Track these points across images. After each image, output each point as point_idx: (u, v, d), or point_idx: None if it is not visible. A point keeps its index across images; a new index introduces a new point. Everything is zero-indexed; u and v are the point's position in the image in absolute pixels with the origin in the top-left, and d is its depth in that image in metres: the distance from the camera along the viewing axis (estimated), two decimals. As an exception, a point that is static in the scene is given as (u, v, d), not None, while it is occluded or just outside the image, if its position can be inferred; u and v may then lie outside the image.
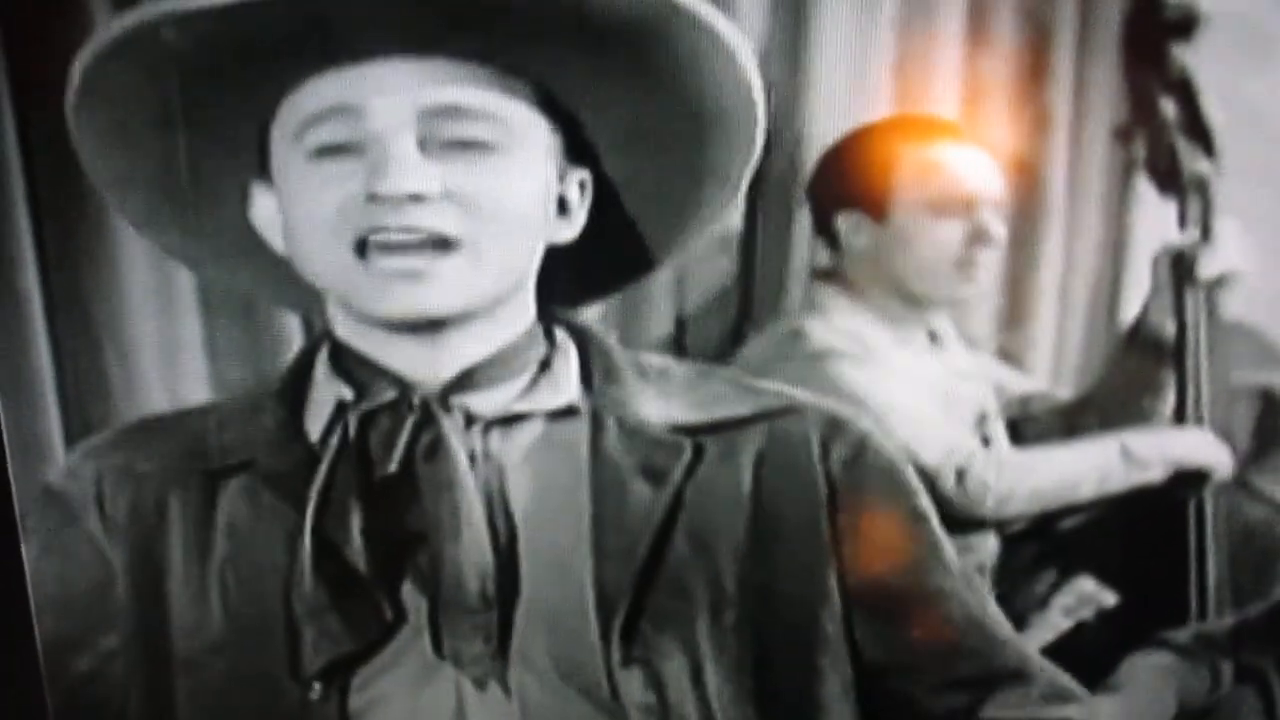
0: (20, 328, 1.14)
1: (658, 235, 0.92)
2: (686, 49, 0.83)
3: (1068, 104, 1.43)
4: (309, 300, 0.91)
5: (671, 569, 0.81)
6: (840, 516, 0.84)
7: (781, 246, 1.34)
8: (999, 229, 1.25)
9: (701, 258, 1.32)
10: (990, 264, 1.26)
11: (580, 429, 0.85)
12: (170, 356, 1.19)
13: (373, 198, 0.80)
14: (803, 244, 1.33)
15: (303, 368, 0.89)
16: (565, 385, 0.86)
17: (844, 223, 1.26)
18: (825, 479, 0.85)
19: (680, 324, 1.32)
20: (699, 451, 0.84)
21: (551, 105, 0.86)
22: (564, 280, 0.90)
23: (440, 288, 0.81)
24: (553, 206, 0.87)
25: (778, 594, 0.83)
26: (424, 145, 0.81)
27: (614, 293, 1.00)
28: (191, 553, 0.84)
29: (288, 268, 0.88)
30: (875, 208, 1.25)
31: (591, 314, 1.28)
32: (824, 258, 1.30)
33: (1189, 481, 1.23)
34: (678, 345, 1.31)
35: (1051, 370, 1.45)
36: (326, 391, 0.86)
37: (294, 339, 1.19)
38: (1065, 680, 0.86)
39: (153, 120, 0.86)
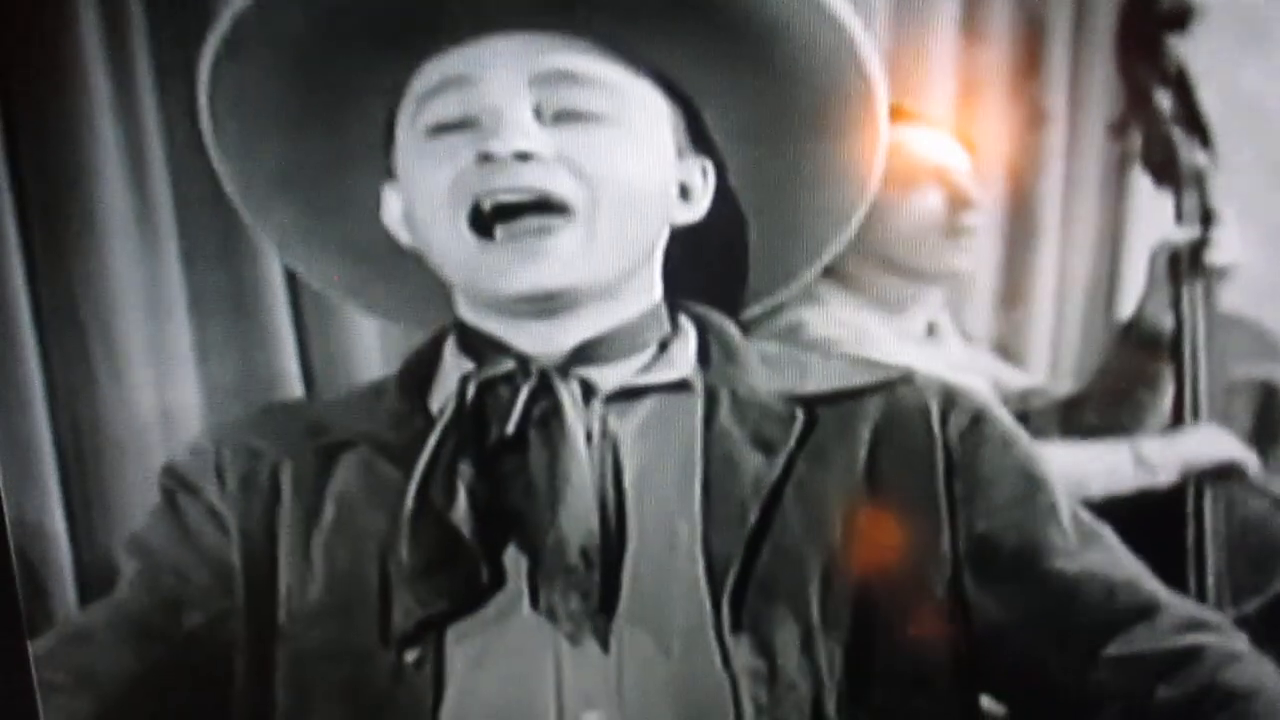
0: (8, 329, 1.14)
1: (783, 244, 0.95)
2: (808, 39, 0.85)
3: (1064, 97, 1.44)
4: (435, 309, 0.93)
5: (782, 537, 0.82)
6: (956, 483, 0.84)
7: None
8: (979, 192, 1.25)
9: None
10: (978, 229, 1.26)
11: (694, 403, 0.85)
12: (159, 358, 1.19)
13: (484, 159, 0.81)
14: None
15: (428, 353, 0.90)
16: (682, 363, 0.87)
17: None
18: (943, 447, 0.85)
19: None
20: (812, 421, 0.85)
21: (671, 87, 0.87)
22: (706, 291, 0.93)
23: (559, 262, 0.82)
24: (674, 187, 0.88)
25: (890, 559, 0.83)
26: (538, 113, 0.82)
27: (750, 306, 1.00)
28: (300, 523, 0.86)
29: (418, 275, 0.90)
30: None
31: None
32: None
33: (1208, 480, 1.23)
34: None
35: (1049, 365, 1.45)
36: (451, 369, 0.88)
37: (285, 338, 1.20)
38: (1195, 610, 0.85)
39: (287, 123, 0.88)
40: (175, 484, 0.90)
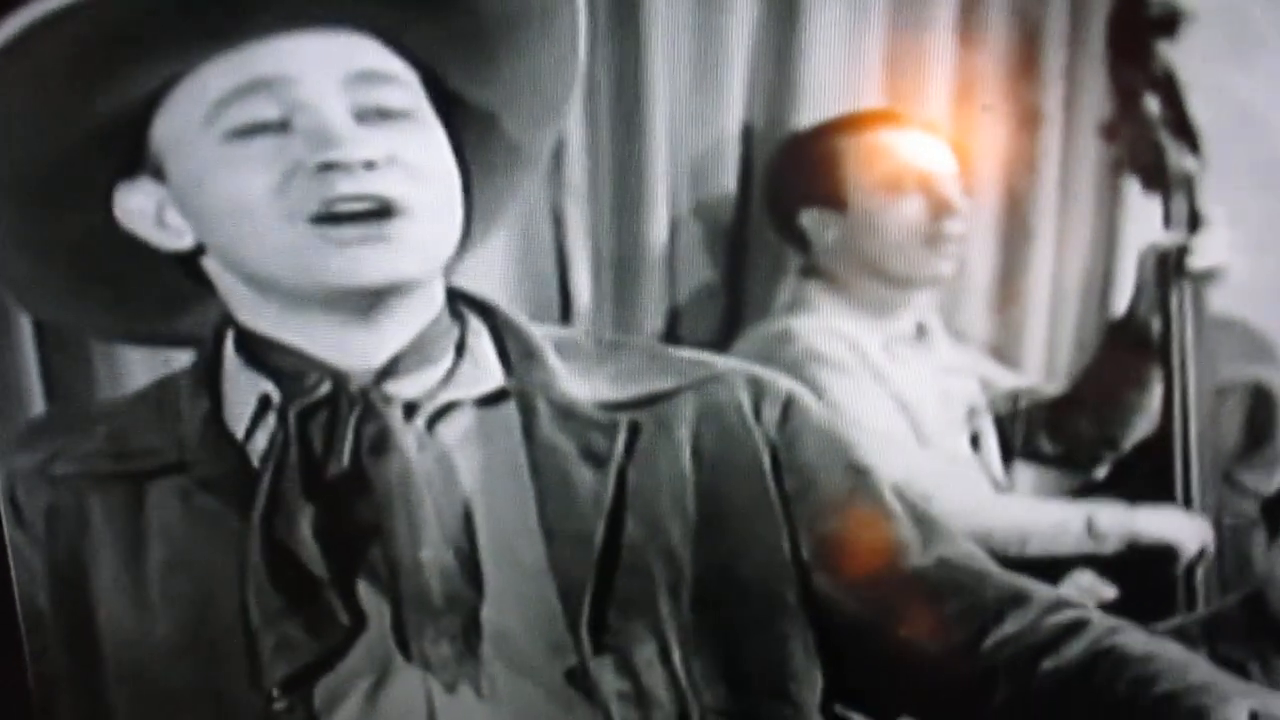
0: (6, 329, 1.15)
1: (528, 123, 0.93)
2: None
3: (1058, 101, 1.46)
4: (157, 310, 0.91)
5: (628, 552, 0.82)
6: (785, 479, 0.85)
7: (772, 241, 1.36)
8: (960, 200, 1.27)
9: (693, 253, 1.35)
10: (960, 236, 1.27)
11: (511, 414, 0.85)
12: (158, 359, 1.20)
13: (327, 167, 0.80)
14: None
15: (212, 359, 0.87)
16: (487, 367, 0.86)
17: (808, 221, 1.29)
18: (765, 442, 0.85)
19: (673, 319, 1.34)
20: (635, 429, 0.84)
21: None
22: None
23: (398, 253, 0.81)
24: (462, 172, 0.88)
25: (733, 564, 0.83)
26: (356, 114, 0.82)
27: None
28: (122, 558, 0.82)
29: (153, 272, 0.87)
30: (833, 199, 1.28)
31: (583, 307, 1.31)
32: (814, 256, 1.32)
33: (1154, 555, 1.25)
34: (670, 339, 1.33)
35: (1043, 366, 1.47)
36: (244, 385, 0.85)
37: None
38: (1063, 594, 0.86)
39: (28, 128, 0.84)
40: None
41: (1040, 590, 0.84)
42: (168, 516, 0.83)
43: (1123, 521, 1.25)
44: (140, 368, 1.18)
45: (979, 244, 1.42)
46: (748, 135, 1.35)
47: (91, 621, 0.82)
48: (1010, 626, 0.82)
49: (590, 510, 0.81)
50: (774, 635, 0.83)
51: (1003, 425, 1.35)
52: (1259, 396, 1.36)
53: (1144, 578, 1.26)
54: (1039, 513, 1.27)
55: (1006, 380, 1.38)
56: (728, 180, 1.35)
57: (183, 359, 1.16)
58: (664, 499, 0.83)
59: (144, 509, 0.83)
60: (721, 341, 1.34)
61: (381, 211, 0.81)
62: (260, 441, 0.82)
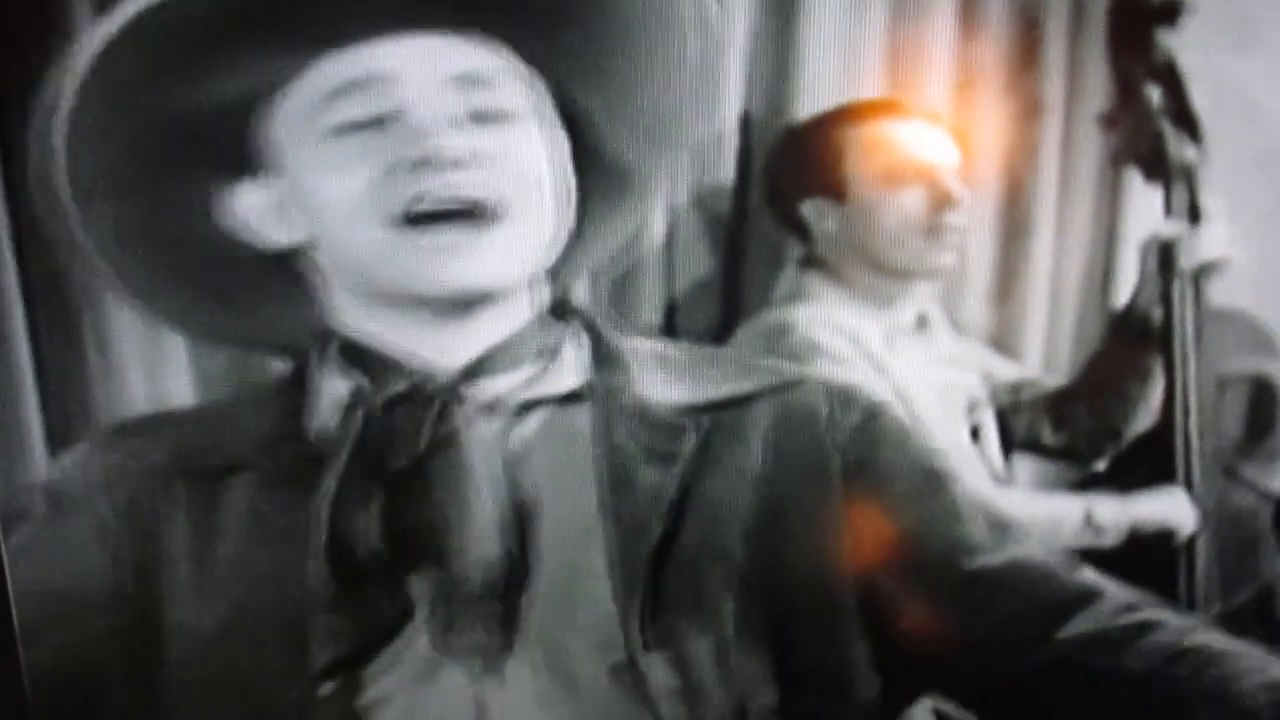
0: (-1, 317, 1.15)
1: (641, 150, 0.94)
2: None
3: (1059, 91, 1.46)
4: (269, 316, 0.92)
5: (686, 551, 0.82)
6: (856, 482, 0.85)
7: (771, 233, 1.36)
8: (961, 191, 1.27)
9: (692, 244, 1.35)
10: (961, 228, 1.27)
11: (585, 415, 0.86)
12: (151, 347, 1.20)
13: (420, 163, 0.81)
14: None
15: (303, 365, 0.90)
16: (569, 371, 0.88)
17: (808, 211, 1.29)
18: (837, 449, 0.86)
19: (670, 311, 1.34)
20: (705, 432, 0.85)
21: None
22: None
23: (485, 259, 0.83)
24: (571, 183, 0.89)
25: (794, 565, 0.84)
26: (459, 115, 0.83)
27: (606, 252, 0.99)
28: (191, 552, 0.84)
29: (260, 275, 0.89)
30: (834, 189, 1.28)
31: (580, 298, 1.30)
32: (814, 247, 1.32)
33: (1151, 541, 1.25)
34: (668, 332, 1.33)
35: (1043, 357, 1.47)
36: (329, 386, 0.87)
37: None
38: (1135, 595, 0.86)
39: (136, 130, 0.86)
40: (56, 502, 0.88)
41: (1114, 590, 0.85)
42: (238, 511, 0.84)
43: (1121, 512, 1.25)
44: (133, 357, 1.19)
45: (979, 235, 1.41)
46: (746, 125, 1.34)
47: (159, 612, 0.84)
48: (1081, 625, 0.82)
49: (651, 508, 0.82)
50: (832, 636, 0.84)
51: (1003, 417, 1.35)
52: (1260, 389, 1.36)
53: (1146, 569, 1.26)
54: (1037, 506, 1.27)
55: (1007, 372, 1.38)
56: (726, 171, 1.35)
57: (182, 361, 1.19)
58: (728, 501, 0.84)
59: (217, 505, 0.85)
60: (720, 334, 1.34)
61: (472, 212, 0.82)
62: (348, 439, 0.84)
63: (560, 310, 0.90)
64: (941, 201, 1.27)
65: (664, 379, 0.88)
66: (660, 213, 1.31)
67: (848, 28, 1.36)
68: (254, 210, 0.88)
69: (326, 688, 0.80)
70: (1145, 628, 0.82)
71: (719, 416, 0.86)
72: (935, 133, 1.29)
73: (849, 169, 1.28)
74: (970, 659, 0.84)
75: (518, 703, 0.80)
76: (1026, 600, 0.83)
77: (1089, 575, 0.86)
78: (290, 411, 0.87)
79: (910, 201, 1.27)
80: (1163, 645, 0.81)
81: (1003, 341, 1.45)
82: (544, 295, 0.89)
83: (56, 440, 1.18)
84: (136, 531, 0.85)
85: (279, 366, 1.21)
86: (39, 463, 1.18)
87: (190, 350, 1.22)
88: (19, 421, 1.16)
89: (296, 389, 0.88)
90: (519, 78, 0.86)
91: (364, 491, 0.81)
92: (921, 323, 1.34)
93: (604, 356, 0.89)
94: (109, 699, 0.85)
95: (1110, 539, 1.25)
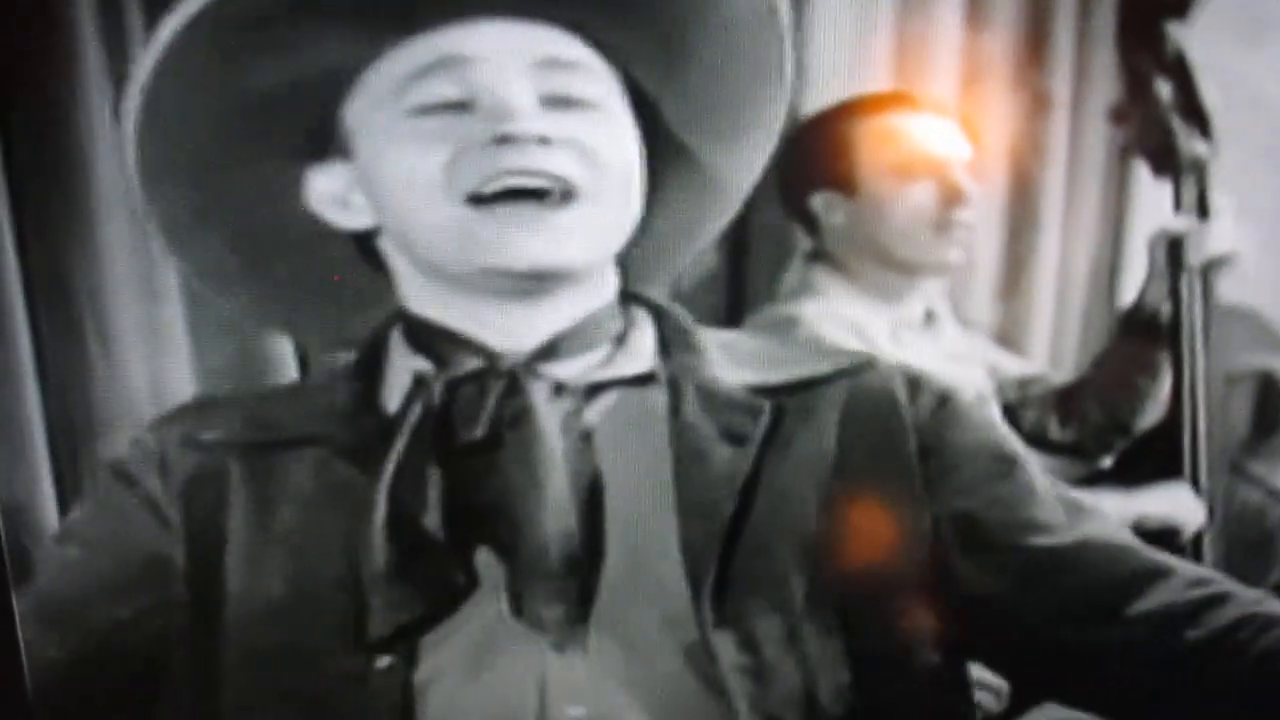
0: (0, 310, 1.15)
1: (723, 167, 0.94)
2: None
3: (1067, 86, 1.45)
4: (348, 302, 0.93)
5: (757, 530, 0.82)
6: (930, 463, 0.85)
7: (776, 226, 1.35)
8: (971, 187, 1.26)
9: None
10: (970, 224, 1.27)
11: (659, 396, 0.86)
12: (153, 341, 1.20)
13: (501, 140, 0.82)
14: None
15: (375, 348, 0.90)
16: (643, 355, 0.88)
17: (818, 204, 1.29)
18: (913, 429, 0.86)
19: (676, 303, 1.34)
20: (779, 412, 0.85)
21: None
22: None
23: (562, 239, 0.83)
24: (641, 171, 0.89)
25: (865, 548, 0.84)
26: (539, 99, 0.84)
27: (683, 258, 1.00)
28: (252, 522, 0.85)
29: (340, 262, 0.90)
30: (844, 183, 1.28)
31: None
32: (821, 241, 1.32)
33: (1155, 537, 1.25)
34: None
35: (1050, 353, 1.46)
36: (403, 367, 0.87)
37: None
38: (1206, 571, 0.86)
39: (216, 112, 0.86)
40: (115, 476, 0.88)
41: (1184, 567, 0.85)
42: (301, 483, 0.85)
43: (1124, 508, 1.24)
44: (135, 350, 1.19)
45: (987, 230, 1.41)
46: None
47: (218, 583, 0.84)
48: (1153, 600, 0.82)
49: (724, 486, 0.83)
50: (903, 616, 0.84)
51: (1010, 413, 1.34)
52: (1267, 385, 1.35)
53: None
54: None
55: (1014, 367, 1.38)
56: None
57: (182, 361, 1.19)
58: (801, 480, 0.84)
59: (279, 476, 0.86)
60: (725, 328, 1.33)
61: (549, 192, 0.82)
62: (413, 414, 0.84)
63: (626, 296, 0.90)
64: (952, 197, 1.27)
65: (732, 361, 0.89)
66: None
67: (856, 22, 1.36)
68: (325, 194, 0.89)
69: (383, 660, 0.80)
70: (1213, 601, 0.81)
71: (791, 398, 0.86)
72: (945, 127, 1.29)
73: (859, 163, 1.27)
74: (1039, 637, 0.84)
75: (580, 678, 0.80)
76: (1097, 578, 0.83)
77: (1160, 554, 0.86)
78: (366, 388, 0.88)
79: (920, 196, 1.27)
80: (1228, 615, 0.80)
81: (1009, 336, 1.45)
82: (614, 280, 0.89)
83: (57, 436, 1.18)
84: (193, 507, 0.86)
85: (283, 356, 1.22)
86: (39, 456, 1.18)
87: (192, 345, 1.22)
88: (20, 416, 1.16)
89: (372, 367, 0.89)
90: (595, 66, 0.86)
91: (428, 467, 0.82)
92: (928, 318, 1.33)
93: (674, 339, 0.89)
94: (162, 670, 0.85)
95: None
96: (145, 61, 0.84)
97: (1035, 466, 0.88)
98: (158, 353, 1.21)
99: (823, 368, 0.88)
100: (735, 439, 0.84)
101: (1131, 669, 0.82)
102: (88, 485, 0.93)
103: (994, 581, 0.84)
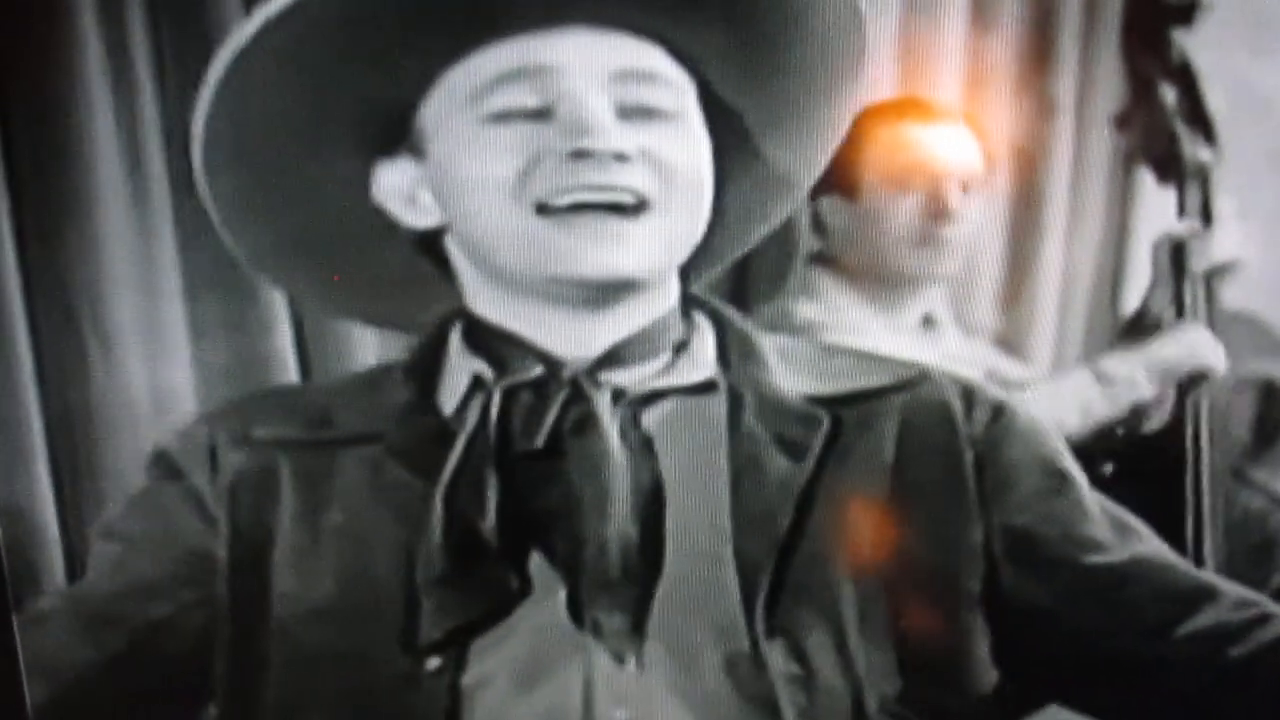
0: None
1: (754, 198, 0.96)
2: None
3: (1071, 90, 1.45)
4: (398, 300, 0.94)
5: (813, 541, 0.83)
6: (985, 477, 0.86)
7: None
8: (960, 204, 1.26)
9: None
10: (958, 241, 1.26)
11: (719, 405, 0.87)
12: (152, 338, 1.20)
13: (579, 154, 0.83)
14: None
15: (434, 345, 0.90)
16: (703, 363, 0.89)
17: (824, 208, 1.29)
18: (969, 442, 0.87)
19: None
20: (837, 423, 0.86)
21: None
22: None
23: (632, 250, 0.84)
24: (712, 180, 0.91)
25: (921, 556, 0.85)
26: (618, 110, 0.85)
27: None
28: (301, 521, 0.85)
29: (402, 251, 0.90)
30: (848, 187, 1.28)
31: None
32: (823, 243, 1.32)
33: (1185, 388, 1.23)
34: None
35: (1052, 358, 1.46)
36: (462, 368, 0.88)
37: (280, 319, 1.20)
38: (1251, 593, 0.88)
39: (290, 106, 0.87)
40: (161, 468, 0.90)
41: (1230, 588, 0.86)
42: (354, 483, 0.86)
43: (1135, 359, 1.23)
44: (134, 349, 1.18)
45: (989, 235, 1.41)
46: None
47: (264, 581, 0.85)
48: (1201, 620, 0.84)
49: (780, 496, 0.83)
50: (956, 627, 0.85)
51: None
52: (1270, 393, 1.35)
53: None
54: (1048, 391, 1.24)
55: (1015, 372, 1.38)
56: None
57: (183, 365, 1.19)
58: (857, 491, 0.85)
59: (332, 475, 0.86)
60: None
61: (622, 206, 0.83)
62: (463, 420, 0.85)
63: (688, 302, 0.91)
64: (937, 213, 1.27)
65: (791, 370, 0.89)
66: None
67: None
68: (393, 189, 0.90)
69: (433, 663, 0.81)
70: (1258, 622, 0.83)
71: (849, 409, 0.87)
72: (948, 138, 1.28)
73: (864, 168, 1.27)
74: (1085, 651, 0.85)
75: (628, 685, 0.81)
76: (1147, 596, 0.85)
77: (1207, 575, 0.88)
78: (424, 388, 0.88)
79: (909, 208, 1.27)
80: (1272, 634, 0.82)
81: (1011, 342, 1.44)
82: (677, 287, 0.90)
83: (56, 436, 1.17)
84: (240, 504, 0.86)
85: (283, 355, 1.22)
86: (38, 455, 1.18)
87: (192, 343, 1.21)
88: (18, 416, 1.15)
89: (430, 365, 0.89)
90: (673, 75, 0.87)
91: (486, 472, 0.82)
92: (928, 323, 1.33)
93: (735, 347, 0.90)
94: (207, 666, 0.86)
95: (1145, 390, 1.22)
96: (224, 54, 0.85)
97: (1085, 481, 0.89)
98: (157, 352, 1.21)
99: (881, 379, 0.89)
100: (793, 449, 0.85)
101: (1175, 685, 0.84)
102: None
103: (1043, 596, 0.85)
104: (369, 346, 1.21)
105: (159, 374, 1.20)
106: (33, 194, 1.18)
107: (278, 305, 1.20)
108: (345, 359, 1.21)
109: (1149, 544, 0.88)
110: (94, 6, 1.18)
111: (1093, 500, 0.88)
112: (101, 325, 1.18)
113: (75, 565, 1.18)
